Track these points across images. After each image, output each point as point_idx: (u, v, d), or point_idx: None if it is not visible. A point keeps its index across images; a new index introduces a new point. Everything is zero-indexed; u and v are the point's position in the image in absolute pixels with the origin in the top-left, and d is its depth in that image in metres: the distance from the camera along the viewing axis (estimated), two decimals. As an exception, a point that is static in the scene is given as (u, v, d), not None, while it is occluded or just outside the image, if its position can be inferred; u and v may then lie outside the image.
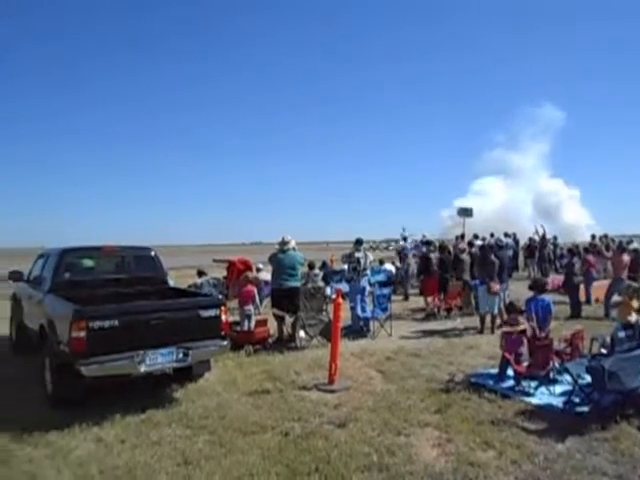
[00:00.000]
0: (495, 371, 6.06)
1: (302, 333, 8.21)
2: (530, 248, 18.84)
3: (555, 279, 13.79)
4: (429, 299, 11.40)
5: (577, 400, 5.03)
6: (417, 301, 12.90)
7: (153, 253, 7.15)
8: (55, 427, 4.72)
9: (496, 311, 9.04)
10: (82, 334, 4.74)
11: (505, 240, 14.45)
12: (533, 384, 5.56)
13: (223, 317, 5.65)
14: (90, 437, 4.58)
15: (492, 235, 16.89)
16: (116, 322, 4.91)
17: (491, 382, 5.84)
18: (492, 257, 9.34)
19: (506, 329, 6.11)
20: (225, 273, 12.67)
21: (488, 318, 9.18)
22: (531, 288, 6.78)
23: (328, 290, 10.69)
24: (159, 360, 5.17)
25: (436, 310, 11.01)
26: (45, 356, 5.67)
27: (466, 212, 24.19)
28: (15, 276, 7.71)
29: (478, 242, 14.60)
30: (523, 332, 5.95)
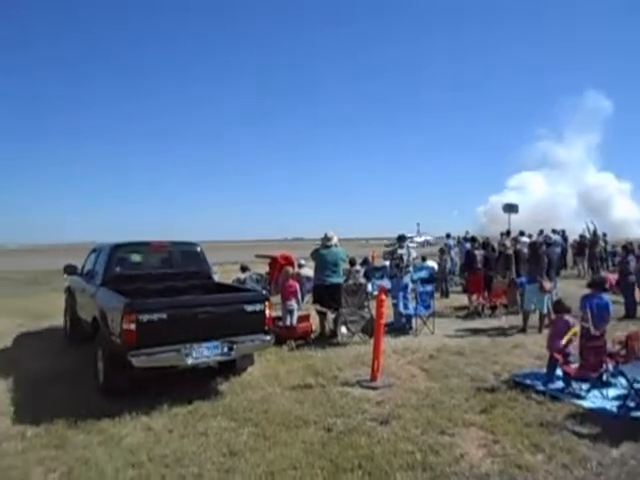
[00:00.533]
0: (543, 371, 5.88)
1: (344, 329, 8.23)
2: (581, 245, 18.14)
3: (609, 277, 13.19)
4: (473, 297, 11.17)
5: (632, 405, 4.82)
6: (458, 299, 12.69)
7: (199, 248, 7.31)
8: (107, 415, 4.90)
9: (545, 310, 8.76)
10: (132, 326, 4.90)
11: (554, 237, 13.96)
12: (584, 386, 5.36)
13: (267, 312, 5.72)
14: (140, 426, 4.74)
15: (541, 232, 16.35)
16: (164, 315, 5.05)
17: (539, 383, 5.66)
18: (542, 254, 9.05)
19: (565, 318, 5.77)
20: (267, 269, 12.83)
21: (534, 317, 8.92)
22: (590, 286, 6.48)
23: (369, 287, 10.65)
24: (205, 353, 5.29)
25: (480, 308, 10.79)
26: (97, 347, 5.89)
27: (511, 208, 23.60)
28: (70, 270, 8.06)
29: (524, 239, 14.17)
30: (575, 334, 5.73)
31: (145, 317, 4.95)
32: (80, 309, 7.55)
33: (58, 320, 9.72)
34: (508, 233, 15.52)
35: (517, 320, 9.57)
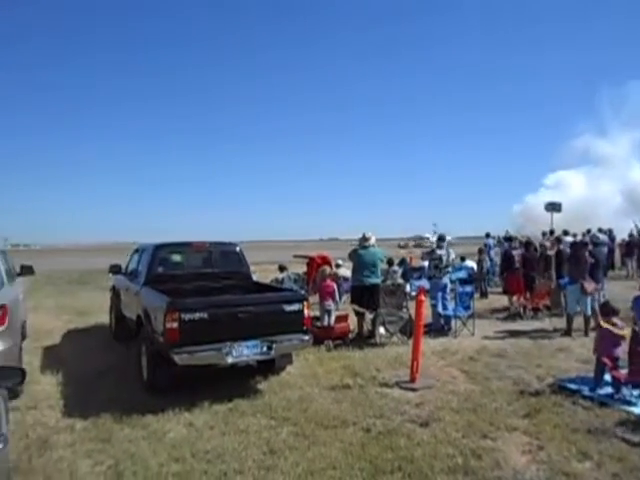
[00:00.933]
0: (590, 376, 5.67)
1: (382, 330, 8.18)
2: (630, 245, 17.42)
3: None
4: (513, 298, 10.90)
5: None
6: (498, 299, 12.41)
7: (238, 249, 7.41)
8: (150, 411, 5.03)
9: (589, 312, 8.46)
10: (175, 325, 5.02)
11: (601, 237, 13.44)
12: (636, 392, 5.14)
13: (306, 312, 5.74)
14: (182, 422, 4.84)
15: (589, 231, 15.78)
16: (206, 315, 5.14)
17: (586, 388, 5.45)
18: (586, 255, 8.74)
19: (608, 327, 5.58)
20: (305, 268, 12.89)
21: (580, 319, 8.63)
22: None
23: (408, 287, 10.55)
24: (245, 352, 5.35)
25: (521, 310, 10.52)
26: (141, 344, 6.06)
27: (554, 207, 22.91)
28: (114, 269, 8.31)
29: (568, 238, 13.72)
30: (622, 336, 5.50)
31: (187, 316, 5.06)
32: (124, 307, 7.78)
33: (103, 317, 10.07)
34: (551, 232, 15.07)
35: (561, 323, 9.27)
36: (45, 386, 6.07)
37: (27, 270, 7.96)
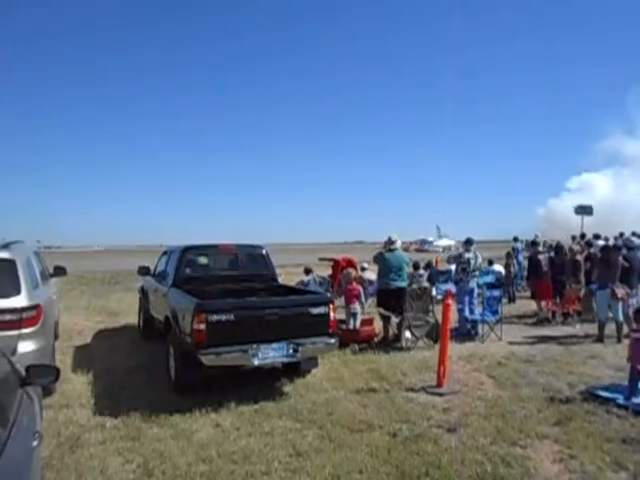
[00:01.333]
0: (624, 384, 5.50)
1: (408, 334, 8.10)
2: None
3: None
4: (542, 303, 10.67)
5: None
6: (526, 304, 12.17)
7: (264, 251, 7.46)
8: (178, 410, 5.10)
9: (621, 318, 8.23)
10: (202, 326, 5.07)
11: (637, 241, 13.02)
12: (672, 401, 4.97)
13: (331, 315, 5.73)
14: (209, 422, 4.89)
15: (621, 234, 15.33)
16: (232, 316, 5.19)
17: (620, 396, 5.30)
18: (620, 259, 8.51)
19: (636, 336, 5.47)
20: (330, 271, 12.90)
21: (612, 326, 8.39)
22: None
23: (434, 291, 10.44)
24: (271, 354, 5.37)
25: (550, 315, 10.30)
26: (169, 345, 6.13)
27: (585, 210, 22.33)
28: (143, 271, 8.45)
29: (600, 242, 13.35)
30: None
31: (214, 317, 5.11)
32: (153, 308, 7.91)
33: (132, 318, 10.27)
34: (582, 236, 14.69)
35: (593, 328, 9.05)
36: (77, 385, 6.20)
37: (60, 271, 8.16)
